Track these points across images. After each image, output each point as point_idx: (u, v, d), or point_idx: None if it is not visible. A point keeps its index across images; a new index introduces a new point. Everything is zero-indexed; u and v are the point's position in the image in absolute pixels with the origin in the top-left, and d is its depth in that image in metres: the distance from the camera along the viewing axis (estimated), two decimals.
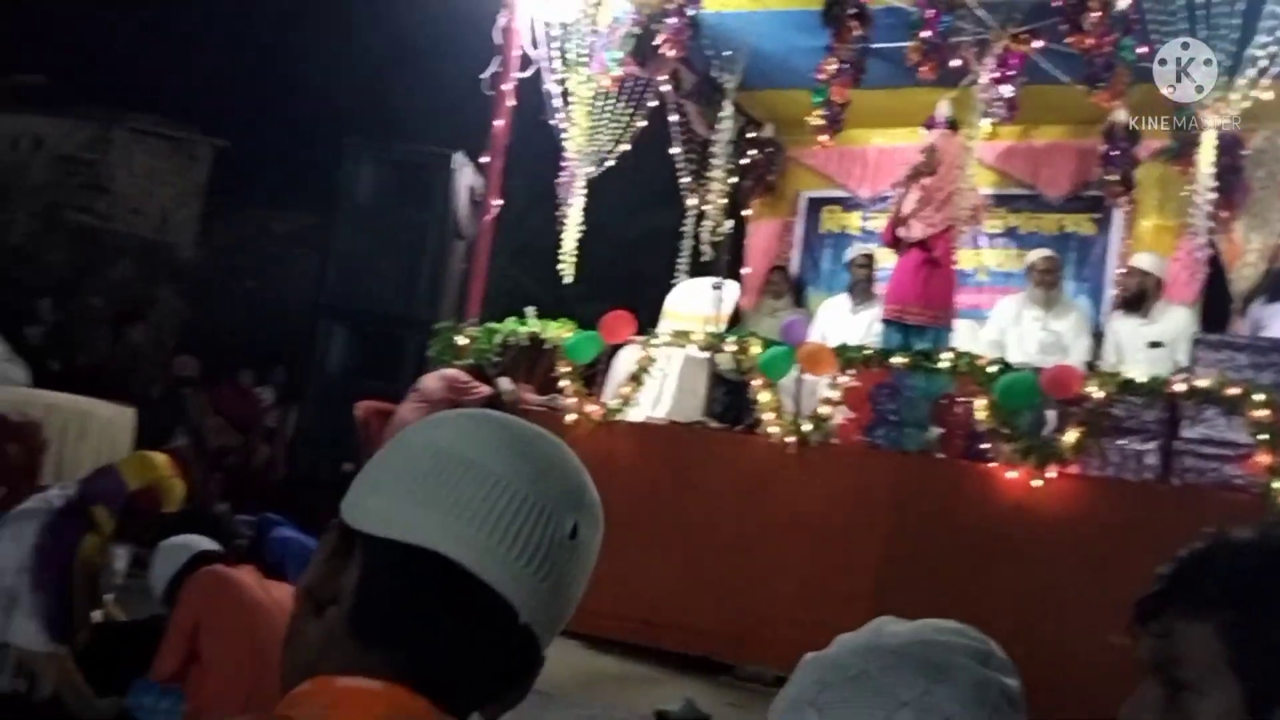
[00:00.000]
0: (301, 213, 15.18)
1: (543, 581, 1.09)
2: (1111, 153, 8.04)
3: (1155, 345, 7.25)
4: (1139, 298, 7.46)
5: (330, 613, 1.10)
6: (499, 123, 8.39)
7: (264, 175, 15.49)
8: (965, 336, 7.69)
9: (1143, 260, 7.64)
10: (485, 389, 7.28)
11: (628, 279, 11.70)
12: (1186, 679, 1.24)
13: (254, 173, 15.37)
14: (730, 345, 7.18)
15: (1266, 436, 5.57)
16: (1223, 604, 1.24)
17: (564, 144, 8.45)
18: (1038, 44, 7.68)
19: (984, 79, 7.79)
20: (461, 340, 7.69)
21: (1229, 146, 7.44)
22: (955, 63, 7.77)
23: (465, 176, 8.78)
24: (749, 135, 9.69)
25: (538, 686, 1.11)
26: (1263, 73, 6.52)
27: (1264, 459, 5.55)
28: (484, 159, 8.50)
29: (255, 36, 16.13)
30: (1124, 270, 7.96)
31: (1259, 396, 5.64)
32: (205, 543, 4.68)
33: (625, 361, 7.52)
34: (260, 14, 15.67)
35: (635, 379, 7.24)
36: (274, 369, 12.24)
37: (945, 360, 6.45)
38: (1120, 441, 6.00)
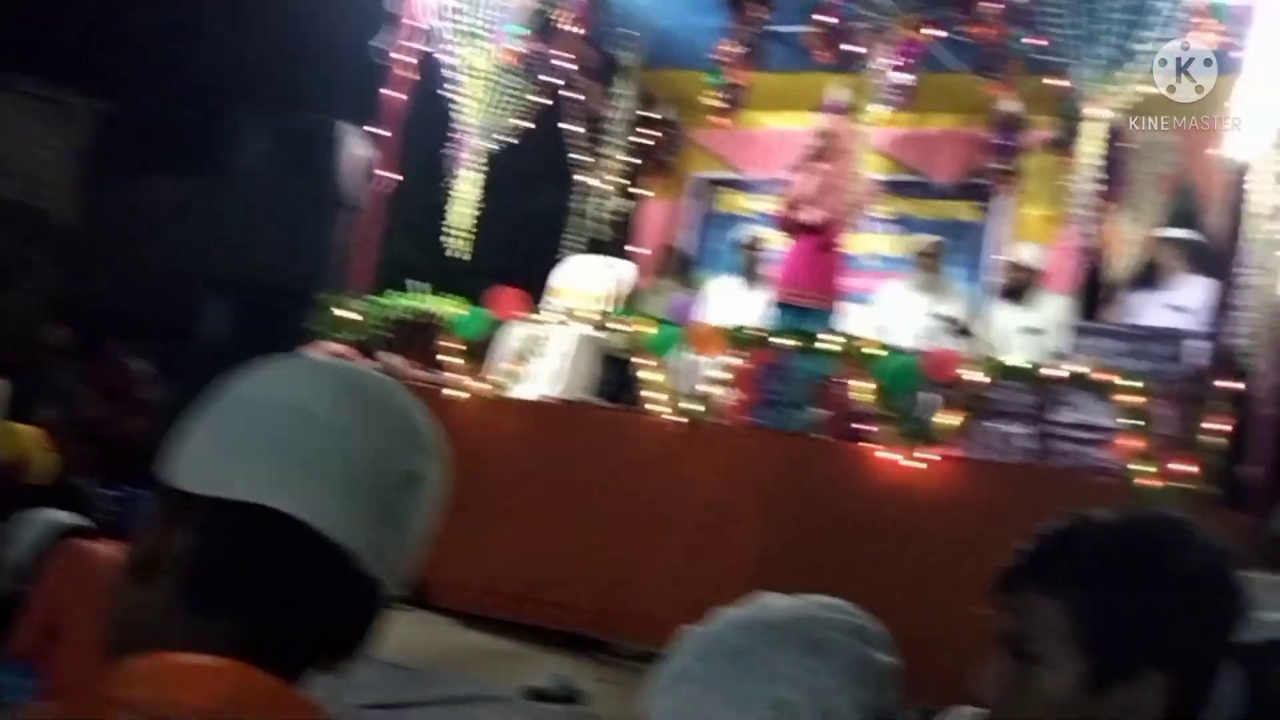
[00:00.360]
0: (186, 180, 14.77)
1: (384, 526, 1.06)
2: (1000, 142, 8.21)
3: (1032, 332, 7.43)
4: (1017, 290, 7.64)
5: (160, 581, 1.04)
6: (392, 93, 8.24)
7: (149, 141, 15.05)
8: (852, 320, 7.78)
9: (1021, 253, 7.83)
10: (369, 364, 7.17)
11: (520, 255, 11.60)
12: (1034, 652, 1.29)
13: (139, 138, 14.94)
14: (620, 324, 7.17)
15: (1133, 421, 5.72)
16: (1073, 582, 1.29)
17: (459, 117, 8.33)
18: (934, 32, 7.78)
19: (880, 65, 7.87)
20: (347, 314, 7.57)
21: (1112, 139, 7.61)
22: (853, 48, 7.84)
23: (356, 146, 8.62)
24: (646, 114, 9.67)
25: (406, 662, 1.10)
26: (1146, 68, 6.66)
27: (1130, 443, 5.70)
28: (376, 129, 8.35)
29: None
30: (1005, 259, 8.11)
31: (1128, 382, 5.78)
32: (68, 516, 4.54)
33: (514, 338, 7.47)
34: None
35: (523, 356, 7.19)
36: (151, 339, 11.93)
37: (830, 342, 6.51)
38: (996, 425, 6.12)
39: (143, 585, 1.05)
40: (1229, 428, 5.80)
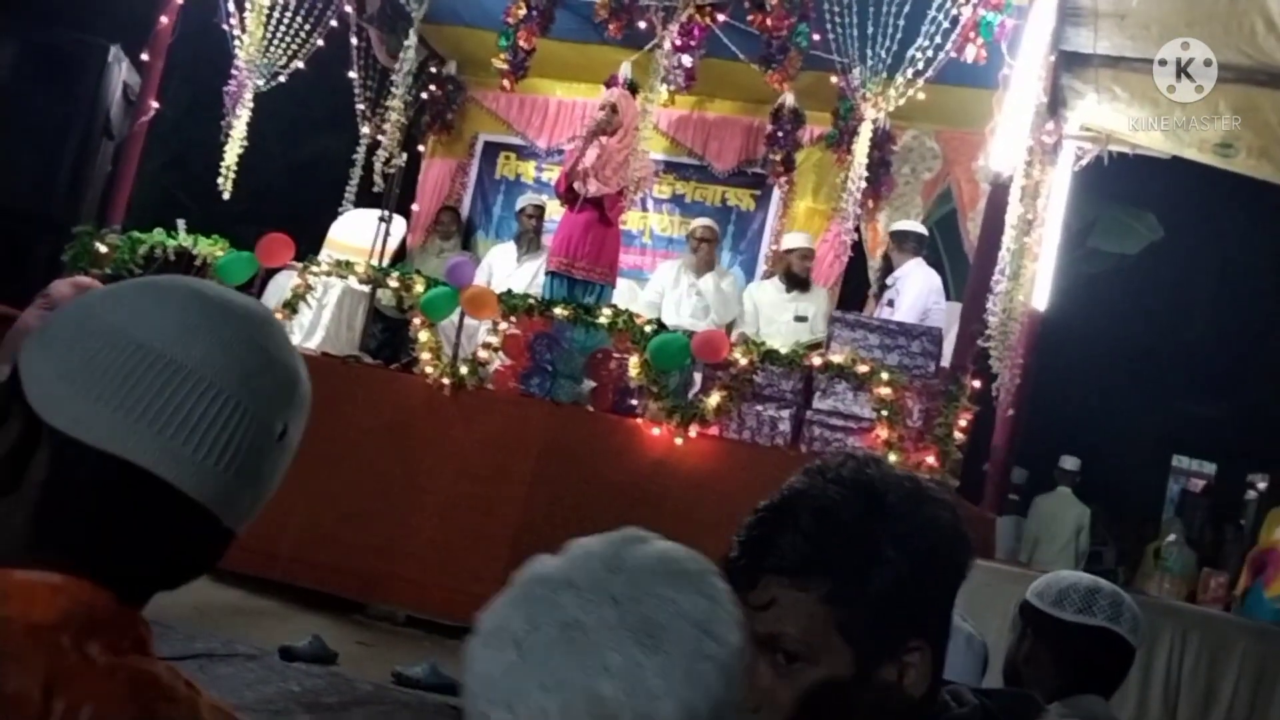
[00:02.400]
0: None
1: (244, 486, 1.05)
2: (777, 133, 8.42)
3: (801, 320, 7.71)
4: (799, 278, 7.85)
5: (17, 494, 1.01)
6: (164, 20, 7.82)
7: None
8: (626, 296, 7.88)
9: (801, 239, 8.06)
10: None
11: (291, 202, 11.23)
12: (798, 651, 1.23)
13: None
14: (393, 281, 7.05)
15: (886, 413, 6.01)
16: (819, 572, 1.22)
17: (235, 52, 7.98)
18: (721, 18, 7.91)
19: (667, 45, 7.96)
20: (102, 248, 7.18)
21: (881, 141, 7.94)
22: (642, 25, 7.90)
23: (121, 72, 8.13)
24: (430, 69, 9.49)
25: (155, 618, 1.05)
26: (919, 74, 6.96)
27: (882, 433, 5.98)
28: (144, 57, 7.90)
29: None
30: (784, 249, 8.24)
31: (884, 375, 6.07)
32: None
33: (280, 287, 7.25)
34: None
35: (290, 306, 6.99)
36: None
37: (605, 316, 6.58)
38: (758, 407, 6.33)
39: None
40: (968, 423, 6.18)
